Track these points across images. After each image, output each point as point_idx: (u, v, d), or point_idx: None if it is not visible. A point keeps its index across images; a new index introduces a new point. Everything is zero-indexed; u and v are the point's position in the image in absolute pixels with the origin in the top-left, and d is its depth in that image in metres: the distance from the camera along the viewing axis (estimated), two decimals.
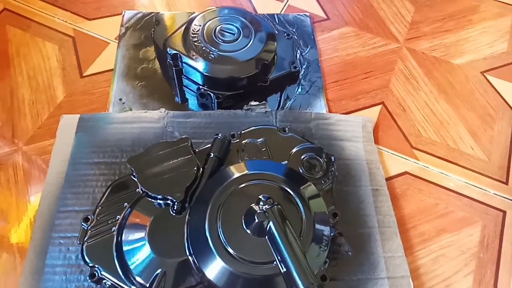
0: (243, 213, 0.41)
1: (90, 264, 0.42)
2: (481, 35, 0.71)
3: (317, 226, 0.41)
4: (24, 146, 0.54)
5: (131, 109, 0.56)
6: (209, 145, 0.49)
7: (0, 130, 0.55)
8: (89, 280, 0.42)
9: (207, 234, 0.40)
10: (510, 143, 0.59)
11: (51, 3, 0.69)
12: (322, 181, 0.48)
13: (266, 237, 0.40)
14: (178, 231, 0.43)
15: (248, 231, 0.40)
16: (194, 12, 0.63)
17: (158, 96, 0.58)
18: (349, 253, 0.44)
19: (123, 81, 0.59)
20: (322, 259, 0.40)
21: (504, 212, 0.53)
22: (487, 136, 0.59)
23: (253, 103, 0.57)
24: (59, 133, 0.53)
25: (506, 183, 0.55)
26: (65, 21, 0.67)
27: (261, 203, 0.41)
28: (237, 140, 0.51)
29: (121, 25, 0.66)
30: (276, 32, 0.64)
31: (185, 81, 0.58)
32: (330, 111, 0.59)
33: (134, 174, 0.45)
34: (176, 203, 0.43)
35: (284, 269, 0.38)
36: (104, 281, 0.42)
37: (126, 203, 0.45)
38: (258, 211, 0.40)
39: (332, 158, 0.51)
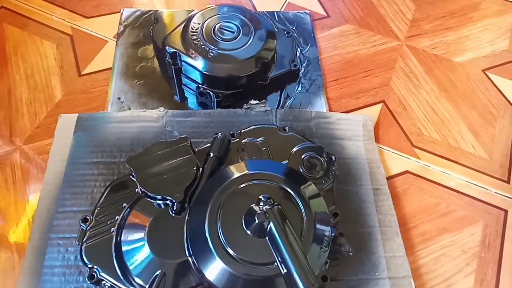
0: (243, 214, 0.41)
1: (89, 265, 0.42)
2: (482, 32, 0.71)
3: (318, 226, 0.41)
4: (22, 145, 0.54)
5: (130, 108, 0.56)
6: (209, 144, 0.49)
7: None
8: (88, 281, 0.42)
9: (207, 234, 0.40)
10: None
11: (49, 1, 0.68)
12: (323, 181, 0.48)
13: (267, 237, 0.40)
14: (177, 232, 0.42)
15: (248, 232, 0.40)
16: (193, 10, 0.63)
17: (157, 95, 0.58)
18: (350, 253, 0.44)
19: (122, 79, 0.59)
20: (323, 260, 0.40)
21: (506, 211, 0.52)
22: (488, 135, 0.59)
23: (253, 102, 0.56)
24: (58, 133, 0.52)
25: (508, 182, 0.55)
26: (63, 19, 0.67)
27: (261, 203, 0.41)
28: (237, 140, 0.51)
29: (120, 23, 0.65)
30: (276, 30, 0.64)
31: (184, 80, 0.57)
32: (330, 110, 0.59)
33: (133, 174, 0.45)
34: (175, 203, 0.43)
35: (285, 270, 0.38)
36: (103, 282, 0.42)
37: (125, 204, 0.45)
38: (259, 212, 0.40)
39: (333, 157, 0.50)
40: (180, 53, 0.55)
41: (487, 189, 0.54)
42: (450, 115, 0.60)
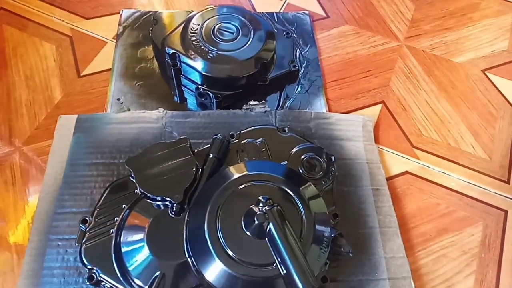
0: (242, 215, 0.41)
1: (89, 267, 0.42)
2: (482, 33, 0.71)
3: (318, 227, 0.41)
4: (22, 147, 0.54)
5: (129, 109, 0.56)
6: (208, 145, 0.49)
7: None
8: (88, 283, 0.42)
9: (206, 235, 0.40)
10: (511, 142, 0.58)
11: (49, 2, 0.68)
12: (322, 181, 0.48)
13: (266, 238, 0.39)
14: (177, 233, 0.42)
15: (248, 233, 0.40)
16: (193, 11, 0.63)
17: (157, 96, 0.58)
18: (350, 254, 0.43)
19: (121, 81, 0.59)
20: (322, 261, 0.40)
21: (506, 212, 0.52)
22: (488, 135, 0.59)
23: (252, 102, 0.56)
24: (57, 134, 0.52)
25: (508, 182, 0.55)
26: (63, 21, 0.67)
27: (260, 204, 0.40)
28: (237, 140, 0.50)
29: (119, 24, 0.65)
30: (275, 30, 0.64)
31: (184, 81, 0.57)
32: (330, 111, 0.59)
33: (132, 175, 0.45)
34: (175, 204, 0.43)
35: (284, 271, 0.37)
36: (102, 283, 0.42)
37: (124, 205, 0.45)
38: (258, 213, 0.40)
39: (332, 158, 0.50)
40: (180, 54, 0.55)
41: (487, 190, 0.54)
42: (450, 116, 0.60)
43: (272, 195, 0.42)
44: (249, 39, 0.57)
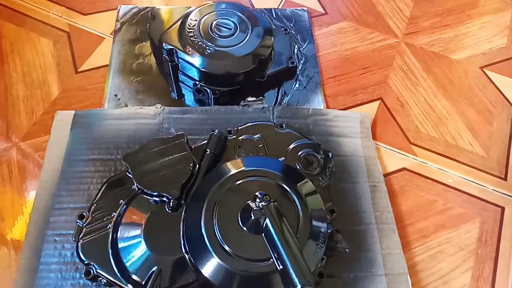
0: (239, 210, 0.41)
1: (86, 262, 0.42)
2: (480, 30, 0.70)
3: (314, 223, 0.41)
4: (19, 142, 0.54)
5: (126, 105, 0.56)
6: (206, 141, 0.49)
7: None
8: (85, 278, 0.42)
9: (203, 231, 0.40)
10: (509, 138, 0.58)
11: None
12: (320, 178, 0.48)
13: (263, 234, 0.40)
14: (174, 228, 0.42)
15: (245, 228, 0.40)
16: (191, 7, 0.63)
17: (154, 92, 0.58)
18: (347, 249, 0.43)
19: (119, 76, 0.59)
20: (319, 256, 0.40)
21: (503, 208, 0.52)
22: (486, 132, 0.59)
23: (250, 99, 0.56)
24: (54, 130, 0.52)
25: (505, 179, 0.55)
26: (60, 16, 0.66)
27: (257, 200, 0.41)
28: (234, 137, 0.50)
29: (117, 20, 0.65)
30: (274, 27, 0.64)
31: (182, 77, 0.57)
32: (328, 107, 0.59)
33: (129, 171, 0.45)
34: (171, 200, 0.43)
35: (281, 267, 0.38)
36: (99, 278, 0.42)
37: (121, 200, 0.45)
38: (255, 208, 0.40)
39: (330, 154, 0.50)
40: (177, 50, 0.55)
41: (484, 186, 0.54)
42: (448, 113, 0.60)
43: (269, 191, 0.42)
44: (247, 35, 0.57)
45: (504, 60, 0.67)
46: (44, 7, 0.67)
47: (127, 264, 0.41)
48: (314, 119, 0.55)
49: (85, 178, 0.48)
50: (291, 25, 0.67)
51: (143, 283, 0.40)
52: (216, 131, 0.49)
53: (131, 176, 0.45)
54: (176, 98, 0.58)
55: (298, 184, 0.44)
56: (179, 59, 0.55)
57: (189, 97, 0.58)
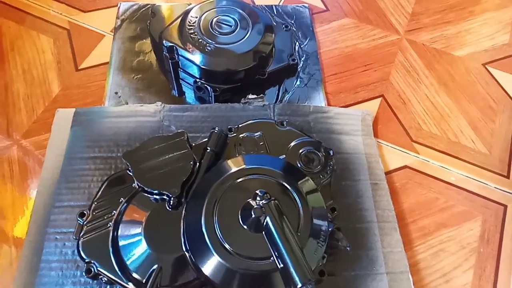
0: (239, 208, 0.41)
1: (86, 260, 0.42)
2: (482, 26, 0.70)
3: (315, 221, 0.41)
4: (20, 140, 0.54)
5: (127, 103, 0.56)
6: (206, 139, 0.48)
7: None
8: (85, 276, 0.42)
9: (203, 229, 0.40)
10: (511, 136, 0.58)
11: None
12: (320, 176, 0.48)
13: (263, 232, 0.39)
14: (174, 226, 0.42)
15: (245, 227, 0.40)
16: (191, 4, 0.62)
17: (155, 90, 0.58)
18: (348, 248, 0.43)
19: (119, 74, 0.59)
20: (320, 255, 0.40)
21: (505, 206, 0.52)
22: (488, 129, 0.58)
23: (250, 96, 0.56)
24: (54, 128, 0.52)
25: (507, 176, 0.55)
26: (60, 14, 0.66)
27: (258, 198, 0.40)
28: (234, 134, 0.50)
29: (117, 17, 0.65)
30: (274, 23, 0.63)
31: (182, 74, 0.57)
32: (329, 104, 0.58)
33: (129, 168, 0.45)
34: (172, 198, 0.43)
35: (281, 265, 0.37)
36: (100, 276, 0.42)
37: (122, 198, 0.45)
38: (255, 206, 0.40)
39: (331, 152, 0.50)
40: (177, 47, 0.54)
41: (487, 184, 0.54)
42: (450, 110, 0.60)
43: (269, 189, 0.42)
44: (248, 32, 0.57)
45: (506, 57, 0.66)
46: (44, 5, 0.67)
47: (128, 262, 0.41)
48: (315, 117, 0.55)
49: (85, 176, 0.48)
50: (292, 22, 0.66)
51: (143, 281, 0.40)
52: (217, 128, 0.49)
53: (131, 174, 0.44)
54: (177, 95, 0.58)
55: (299, 182, 0.43)
56: (180, 57, 0.55)
57: (189, 95, 0.58)
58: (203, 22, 0.57)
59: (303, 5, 0.69)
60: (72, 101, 0.57)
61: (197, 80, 0.55)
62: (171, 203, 0.43)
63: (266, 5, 0.68)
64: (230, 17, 0.58)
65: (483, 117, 0.59)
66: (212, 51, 0.54)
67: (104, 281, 0.42)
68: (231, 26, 0.57)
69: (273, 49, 0.59)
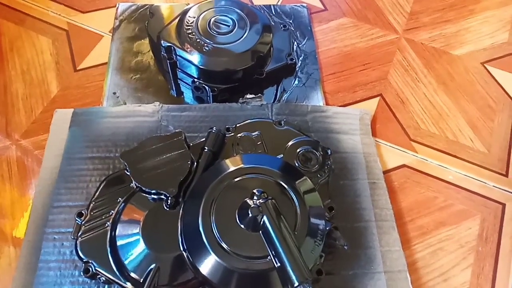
0: (237, 208, 0.41)
1: (84, 260, 0.42)
2: (482, 25, 0.70)
3: (312, 220, 0.41)
4: (18, 141, 0.54)
5: (125, 103, 0.56)
6: (204, 139, 0.49)
7: None
8: (84, 276, 0.42)
9: (201, 229, 0.40)
10: (510, 135, 0.58)
11: None
12: (318, 175, 0.48)
13: (260, 231, 0.39)
14: (172, 226, 0.42)
15: (242, 226, 0.40)
16: (189, 4, 0.62)
17: (153, 90, 0.58)
18: (345, 247, 0.43)
19: (117, 74, 0.59)
20: (317, 253, 0.39)
21: (504, 205, 0.52)
22: (487, 128, 0.58)
23: (248, 96, 0.56)
24: (53, 128, 0.52)
25: (506, 175, 0.54)
26: (59, 14, 0.66)
27: (255, 197, 0.40)
28: (232, 134, 0.50)
29: (115, 18, 0.65)
30: (273, 23, 0.63)
31: (180, 74, 0.57)
32: (327, 104, 0.58)
33: (127, 168, 0.45)
34: (169, 197, 0.43)
35: (278, 264, 0.37)
36: (98, 276, 0.42)
37: (120, 198, 0.45)
38: (252, 206, 0.40)
39: (329, 151, 0.50)
40: (175, 47, 0.54)
41: (485, 183, 0.54)
42: (448, 109, 0.60)
43: (267, 188, 0.42)
44: (245, 32, 0.57)
45: (505, 55, 0.66)
46: (43, 5, 0.67)
47: (126, 262, 0.41)
48: (313, 116, 0.55)
49: (83, 176, 0.48)
50: (290, 21, 0.66)
51: (141, 281, 0.40)
52: (214, 128, 0.49)
53: (129, 174, 0.44)
54: (175, 95, 0.58)
55: (297, 182, 0.43)
56: (178, 57, 0.55)
57: (187, 95, 0.58)
58: (201, 22, 0.57)
59: (301, 5, 0.69)
60: (71, 101, 0.57)
61: (195, 80, 0.55)
62: (169, 203, 0.43)
63: (264, 5, 0.68)
64: (228, 17, 0.58)
65: (482, 116, 0.59)
66: (210, 51, 0.54)
67: (102, 280, 0.42)
68: (229, 26, 0.57)
69: (271, 48, 0.59)
